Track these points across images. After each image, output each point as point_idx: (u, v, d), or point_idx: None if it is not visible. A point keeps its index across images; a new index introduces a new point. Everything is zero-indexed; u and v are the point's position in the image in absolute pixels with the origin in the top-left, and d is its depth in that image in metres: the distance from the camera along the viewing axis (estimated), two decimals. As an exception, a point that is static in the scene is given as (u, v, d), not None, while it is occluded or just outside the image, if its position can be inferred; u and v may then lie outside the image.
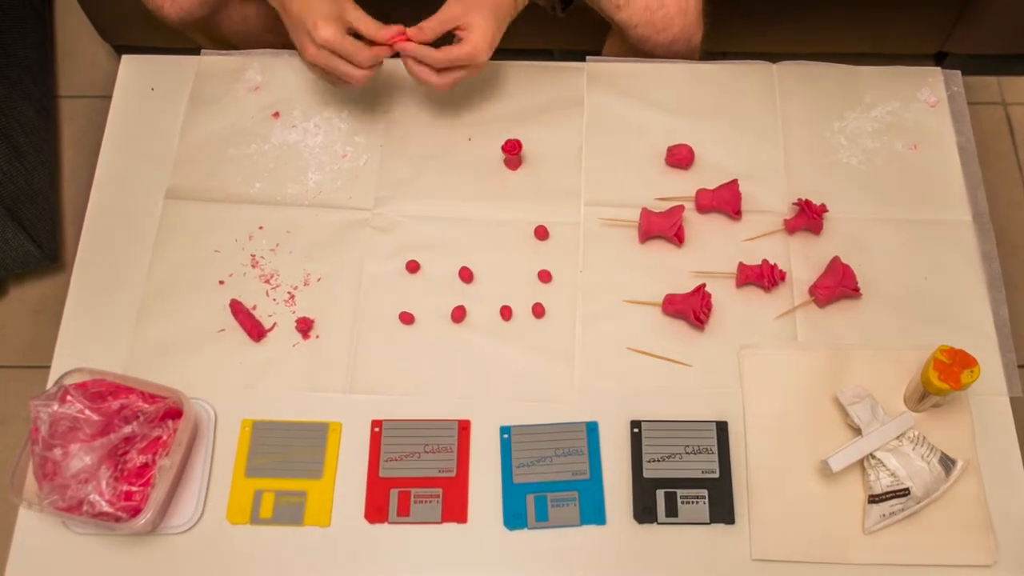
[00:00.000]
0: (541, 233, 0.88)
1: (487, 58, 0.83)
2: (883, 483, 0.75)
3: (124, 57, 0.98)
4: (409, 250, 0.88)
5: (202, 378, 0.82)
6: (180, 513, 0.76)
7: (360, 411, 0.80)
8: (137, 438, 0.74)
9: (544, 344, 0.83)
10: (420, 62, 0.83)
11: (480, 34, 0.81)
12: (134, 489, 0.73)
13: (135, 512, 0.72)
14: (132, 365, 0.82)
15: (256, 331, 0.83)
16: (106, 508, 0.72)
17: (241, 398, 0.81)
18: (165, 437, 0.75)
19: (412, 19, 0.83)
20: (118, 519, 0.72)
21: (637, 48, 0.99)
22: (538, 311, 0.85)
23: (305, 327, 0.83)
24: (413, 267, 0.86)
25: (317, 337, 0.84)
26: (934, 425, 0.79)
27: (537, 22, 0.94)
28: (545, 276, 0.86)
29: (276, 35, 1.02)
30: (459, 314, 0.84)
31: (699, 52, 1.01)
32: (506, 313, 0.84)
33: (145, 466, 0.74)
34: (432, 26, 0.82)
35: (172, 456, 0.74)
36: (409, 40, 0.81)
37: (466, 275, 0.86)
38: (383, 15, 0.82)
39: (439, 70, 0.83)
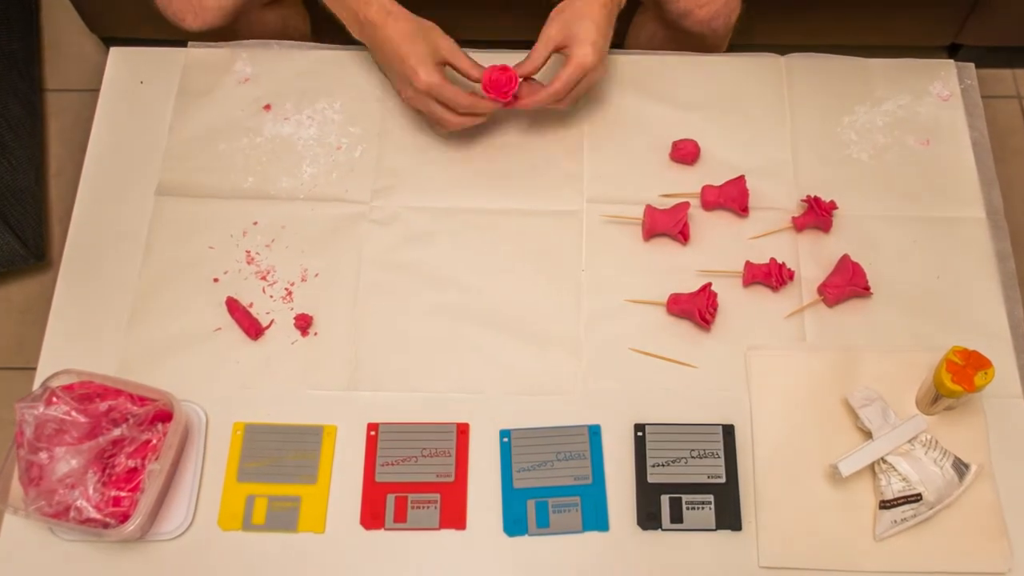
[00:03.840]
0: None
1: (597, 59, 0.81)
2: (895, 488, 0.73)
3: (112, 49, 0.97)
4: (408, 243, 0.86)
5: (198, 378, 0.80)
6: (170, 519, 0.74)
7: (356, 414, 0.79)
8: (126, 442, 0.73)
9: (546, 341, 0.82)
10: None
11: (583, 45, 0.80)
12: (123, 494, 0.71)
13: (124, 518, 0.70)
14: (125, 366, 0.80)
15: (254, 329, 0.82)
16: (93, 514, 0.70)
17: (239, 398, 0.79)
18: (155, 441, 0.73)
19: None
20: (106, 525, 0.70)
21: (675, 24, 0.96)
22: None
23: (304, 324, 0.82)
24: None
25: (315, 334, 0.82)
26: (947, 428, 0.78)
27: (537, 14, 0.92)
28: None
29: (293, 38, 1.00)
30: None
31: (729, 38, 0.99)
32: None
33: (134, 471, 0.72)
34: (535, 58, 0.83)
35: (162, 460, 0.72)
36: (519, 99, 0.83)
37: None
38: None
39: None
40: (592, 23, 0.81)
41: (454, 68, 0.83)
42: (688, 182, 0.88)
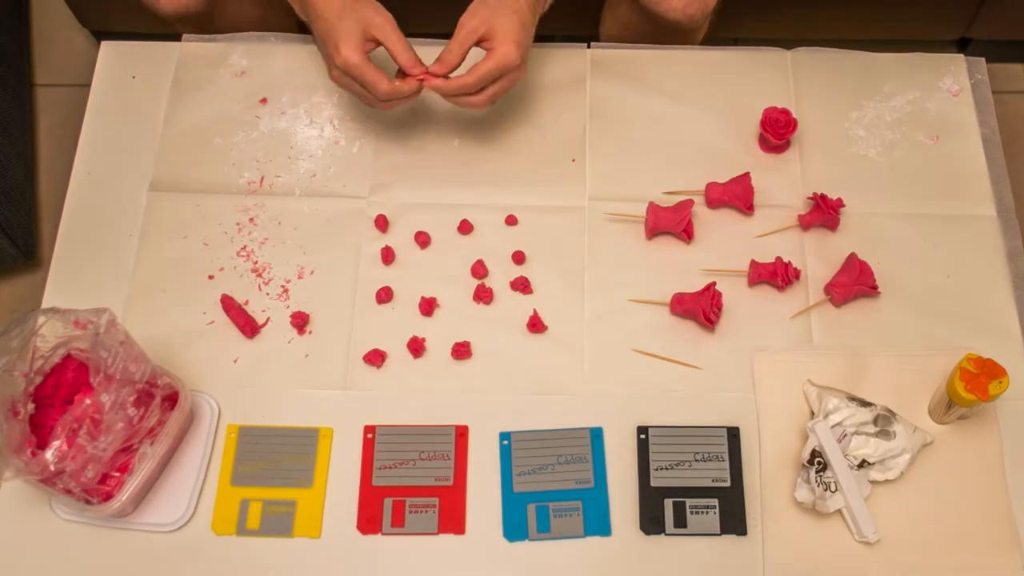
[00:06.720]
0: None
1: (520, 58, 0.77)
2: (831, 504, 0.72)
3: (104, 43, 0.95)
4: (407, 240, 0.85)
5: (194, 378, 0.79)
6: (171, 510, 0.73)
7: (353, 416, 0.78)
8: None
9: (547, 341, 0.81)
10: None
11: (504, 39, 0.76)
12: (113, 474, 0.70)
13: (107, 497, 0.69)
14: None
15: (249, 327, 0.81)
16: (74, 488, 0.69)
17: (234, 399, 0.78)
18: (154, 424, 0.72)
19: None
20: (88, 501, 0.69)
21: (648, 9, 0.93)
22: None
23: (300, 322, 0.81)
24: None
25: (311, 332, 0.81)
26: (958, 434, 0.76)
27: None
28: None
29: (273, 30, 0.99)
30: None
31: (707, 27, 0.96)
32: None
33: (127, 451, 0.71)
34: (453, 50, 0.78)
35: (156, 445, 0.71)
36: (432, 76, 0.78)
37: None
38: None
39: (478, 91, 0.79)
40: (518, 20, 0.76)
41: (386, 47, 0.78)
42: (692, 179, 0.87)
